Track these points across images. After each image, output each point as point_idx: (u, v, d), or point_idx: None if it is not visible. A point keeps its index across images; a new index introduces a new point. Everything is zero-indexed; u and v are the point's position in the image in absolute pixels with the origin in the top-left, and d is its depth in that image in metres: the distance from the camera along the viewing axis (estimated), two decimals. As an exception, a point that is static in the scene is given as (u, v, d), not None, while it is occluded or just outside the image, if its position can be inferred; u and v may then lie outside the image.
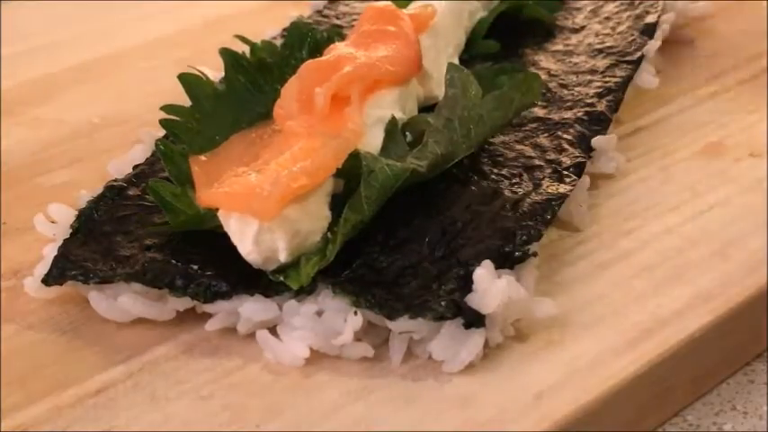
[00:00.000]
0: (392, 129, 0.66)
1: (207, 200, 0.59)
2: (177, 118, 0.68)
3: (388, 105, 0.67)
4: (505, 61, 0.77)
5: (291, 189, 0.58)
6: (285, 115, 0.64)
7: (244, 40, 0.74)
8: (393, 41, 0.69)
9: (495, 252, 0.58)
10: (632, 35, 0.80)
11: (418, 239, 0.60)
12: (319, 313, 0.57)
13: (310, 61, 0.67)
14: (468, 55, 0.77)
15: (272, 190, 0.57)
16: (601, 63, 0.77)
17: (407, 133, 0.67)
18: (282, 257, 0.58)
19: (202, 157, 0.63)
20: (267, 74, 0.71)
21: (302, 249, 0.59)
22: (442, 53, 0.74)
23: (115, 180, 0.67)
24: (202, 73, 0.70)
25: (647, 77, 0.78)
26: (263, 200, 0.57)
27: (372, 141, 0.65)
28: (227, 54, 0.71)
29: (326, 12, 0.85)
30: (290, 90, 0.65)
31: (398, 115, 0.67)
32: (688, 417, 0.60)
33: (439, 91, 0.70)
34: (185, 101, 0.70)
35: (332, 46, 0.70)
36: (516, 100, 0.67)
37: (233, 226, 0.58)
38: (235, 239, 0.58)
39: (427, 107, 0.70)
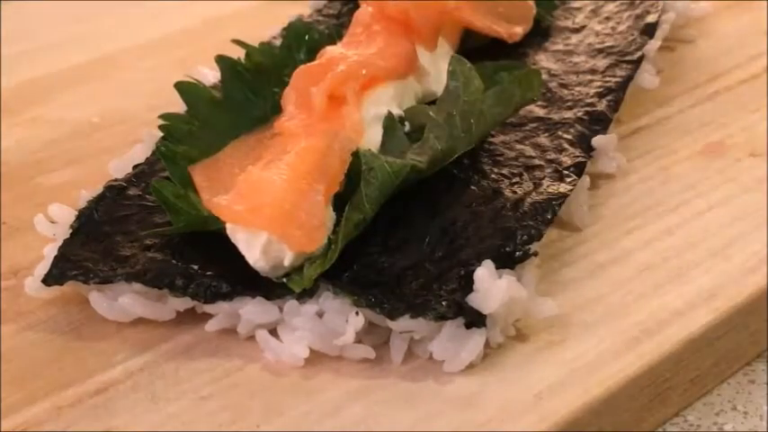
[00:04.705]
0: (390, 124, 0.66)
1: (229, 216, 0.59)
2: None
3: (386, 102, 0.67)
4: (505, 60, 0.77)
5: (322, 208, 0.58)
6: (284, 119, 0.64)
7: (240, 44, 0.74)
8: (385, 39, 0.70)
9: (496, 252, 0.58)
10: (632, 35, 0.80)
11: (419, 239, 0.60)
12: (320, 314, 0.57)
13: (302, 66, 0.67)
14: (465, 49, 0.77)
15: (313, 221, 0.57)
16: (601, 63, 0.77)
17: (406, 123, 0.67)
18: (288, 264, 0.58)
19: (203, 163, 0.63)
20: (265, 78, 0.71)
21: (308, 253, 0.59)
22: (437, 49, 0.74)
23: (115, 180, 0.67)
24: (198, 81, 0.70)
25: (647, 77, 0.78)
26: (310, 230, 0.57)
27: (372, 138, 0.65)
28: (223, 61, 0.71)
29: (326, 11, 0.85)
30: (288, 98, 0.65)
31: (396, 111, 0.67)
32: (688, 417, 0.60)
33: (437, 87, 0.71)
34: (185, 101, 0.70)
35: (324, 49, 0.70)
36: (517, 95, 0.67)
37: (241, 236, 0.58)
38: (242, 248, 0.58)
39: (425, 104, 0.70)
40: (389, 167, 0.60)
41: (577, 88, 0.74)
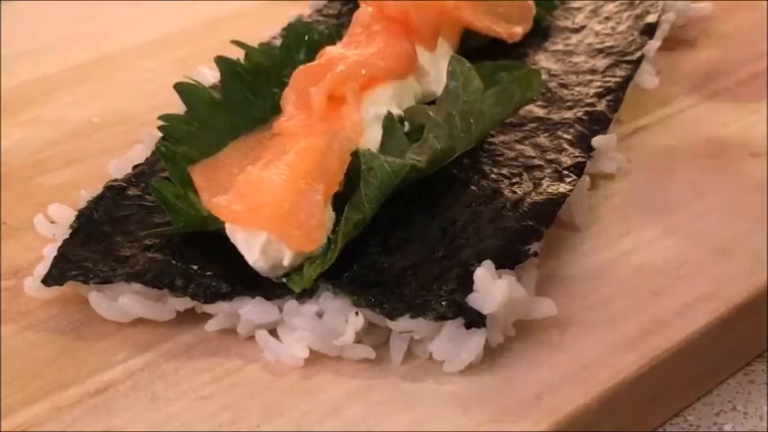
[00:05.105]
0: (390, 124, 0.66)
1: (228, 215, 0.59)
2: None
3: (385, 102, 0.67)
4: (505, 60, 0.77)
5: (321, 208, 0.58)
6: (284, 119, 0.64)
7: (240, 44, 0.74)
8: (384, 39, 0.70)
9: (496, 252, 0.58)
10: (632, 35, 0.80)
11: (419, 239, 0.60)
12: (320, 314, 0.57)
13: (301, 67, 0.67)
14: (465, 49, 0.77)
15: (312, 221, 0.58)
16: (601, 63, 0.77)
17: (406, 123, 0.67)
18: (287, 263, 0.58)
19: (202, 163, 0.63)
20: (264, 78, 0.71)
21: (307, 253, 0.59)
22: (437, 49, 0.74)
23: (115, 180, 0.67)
24: (198, 82, 0.70)
25: (647, 77, 0.78)
26: (309, 230, 0.57)
27: (371, 138, 0.65)
28: (222, 62, 0.71)
29: (326, 11, 0.85)
30: (287, 98, 0.65)
31: (395, 111, 0.67)
32: (688, 417, 0.60)
33: (436, 87, 0.71)
34: (185, 101, 0.70)
35: (323, 49, 0.70)
36: (516, 95, 0.67)
37: (240, 236, 0.58)
38: (241, 248, 0.58)
39: (425, 104, 0.70)
40: (389, 167, 0.60)
41: (577, 88, 0.74)
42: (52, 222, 0.65)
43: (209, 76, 0.75)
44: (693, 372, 0.60)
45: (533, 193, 0.63)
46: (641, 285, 0.62)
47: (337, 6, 0.85)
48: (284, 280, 0.58)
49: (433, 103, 0.69)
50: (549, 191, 0.64)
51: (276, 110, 0.67)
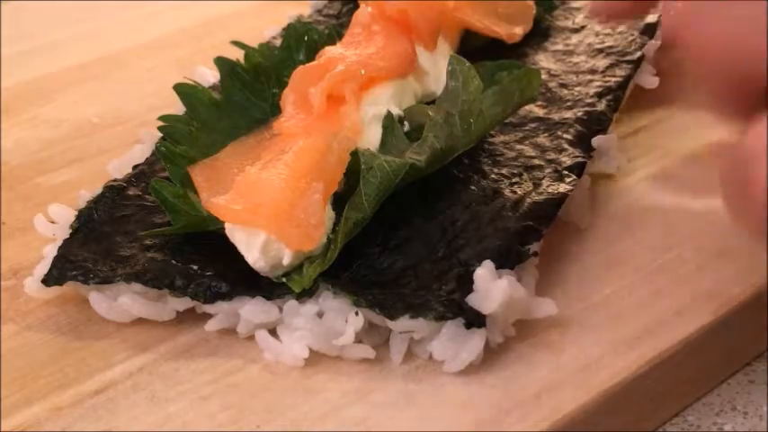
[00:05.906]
0: (390, 123, 0.66)
1: (227, 215, 0.59)
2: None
3: (385, 101, 0.67)
4: (505, 60, 0.76)
5: (320, 208, 0.58)
6: (283, 120, 0.64)
7: (239, 45, 0.74)
8: (384, 39, 0.70)
9: (496, 252, 0.58)
10: (632, 35, 0.80)
11: (419, 239, 0.60)
12: (320, 314, 0.57)
13: (301, 67, 0.68)
14: (465, 49, 0.77)
15: (311, 220, 0.58)
16: (601, 63, 0.77)
17: (406, 122, 0.67)
18: (287, 263, 0.58)
19: (202, 163, 0.63)
20: (264, 78, 0.71)
21: (306, 252, 0.59)
22: (437, 49, 0.74)
23: (115, 180, 0.67)
24: (197, 83, 0.70)
25: (647, 77, 0.78)
26: (308, 229, 0.57)
27: (371, 138, 0.65)
28: (222, 63, 0.71)
29: (326, 11, 0.85)
30: (287, 98, 0.65)
31: (395, 111, 0.67)
32: (688, 417, 0.60)
33: (436, 87, 0.71)
34: (185, 101, 0.70)
35: (323, 49, 0.70)
36: (516, 95, 0.67)
37: (239, 236, 0.58)
38: (241, 248, 0.58)
39: (425, 104, 0.70)
40: (388, 166, 0.60)
41: (577, 88, 0.74)
42: (52, 222, 0.65)
43: (209, 76, 0.75)
44: (693, 372, 0.60)
45: (533, 193, 0.63)
46: (641, 285, 0.62)
47: (337, 6, 0.85)
48: (284, 280, 0.58)
49: (432, 102, 0.69)
50: (549, 191, 0.64)
51: (276, 110, 0.67)
